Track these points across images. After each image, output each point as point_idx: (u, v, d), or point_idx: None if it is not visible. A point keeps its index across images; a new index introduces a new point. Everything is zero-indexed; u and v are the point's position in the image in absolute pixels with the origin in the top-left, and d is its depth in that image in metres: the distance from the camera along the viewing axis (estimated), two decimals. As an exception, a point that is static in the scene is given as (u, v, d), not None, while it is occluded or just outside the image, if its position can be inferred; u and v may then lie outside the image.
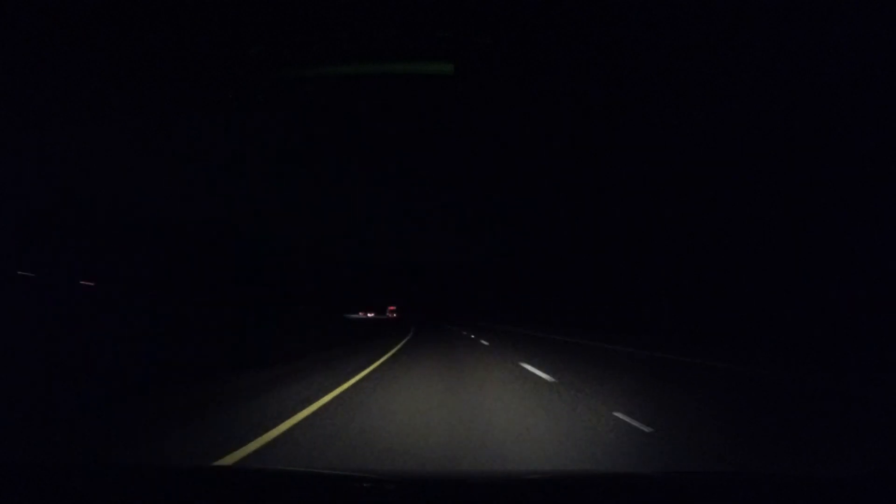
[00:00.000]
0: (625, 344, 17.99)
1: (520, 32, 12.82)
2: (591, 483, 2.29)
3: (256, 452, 4.09)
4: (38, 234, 17.02)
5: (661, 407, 6.18)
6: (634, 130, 22.50)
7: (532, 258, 56.88)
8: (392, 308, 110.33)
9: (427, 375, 9.22)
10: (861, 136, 14.33)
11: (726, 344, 16.24)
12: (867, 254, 14.34)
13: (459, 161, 38.04)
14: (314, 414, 5.59)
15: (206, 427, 5.01)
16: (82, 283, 21.90)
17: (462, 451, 4.23)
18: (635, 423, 5.09)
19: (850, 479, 2.07)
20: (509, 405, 6.17)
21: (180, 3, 12.12)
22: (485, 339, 21.85)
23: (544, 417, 5.51)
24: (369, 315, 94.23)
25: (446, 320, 69.38)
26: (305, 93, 16.98)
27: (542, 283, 54.39)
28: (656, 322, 25.48)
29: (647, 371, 10.41)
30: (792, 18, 12.80)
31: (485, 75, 13.01)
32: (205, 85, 14.43)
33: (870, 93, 13.28)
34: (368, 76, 13.29)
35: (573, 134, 26.04)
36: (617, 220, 32.05)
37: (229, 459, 3.86)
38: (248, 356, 11.18)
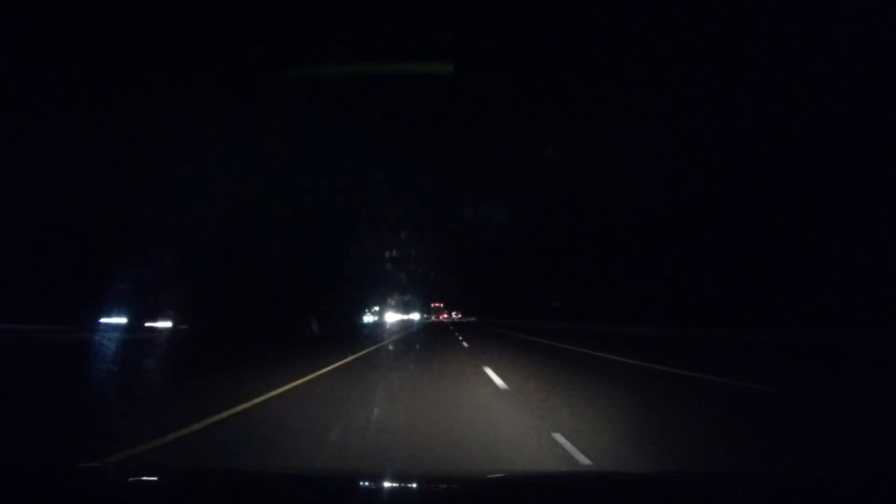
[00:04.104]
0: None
1: (519, 32, 12.84)
2: (590, 483, 2.29)
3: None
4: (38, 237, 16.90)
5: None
6: (633, 127, 22.50)
7: (524, 256, 56.73)
8: (456, 312, 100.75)
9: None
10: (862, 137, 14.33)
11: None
12: (866, 256, 14.33)
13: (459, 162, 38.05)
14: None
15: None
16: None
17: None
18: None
19: (849, 479, 2.07)
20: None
21: (181, 3, 12.15)
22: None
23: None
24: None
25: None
26: (306, 93, 16.99)
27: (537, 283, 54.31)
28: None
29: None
30: (794, 17, 12.80)
31: (485, 75, 13.02)
32: (205, 85, 14.45)
33: (870, 93, 13.28)
34: (369, 76, 13.30)
35: (572, 133, 26.07)
36: (617, 217, 32.01)
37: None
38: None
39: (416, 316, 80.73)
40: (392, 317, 67.96)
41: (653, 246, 27.42)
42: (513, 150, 34.16)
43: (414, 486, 2.17)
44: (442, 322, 74.18)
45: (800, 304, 16.41)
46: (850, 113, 14.22)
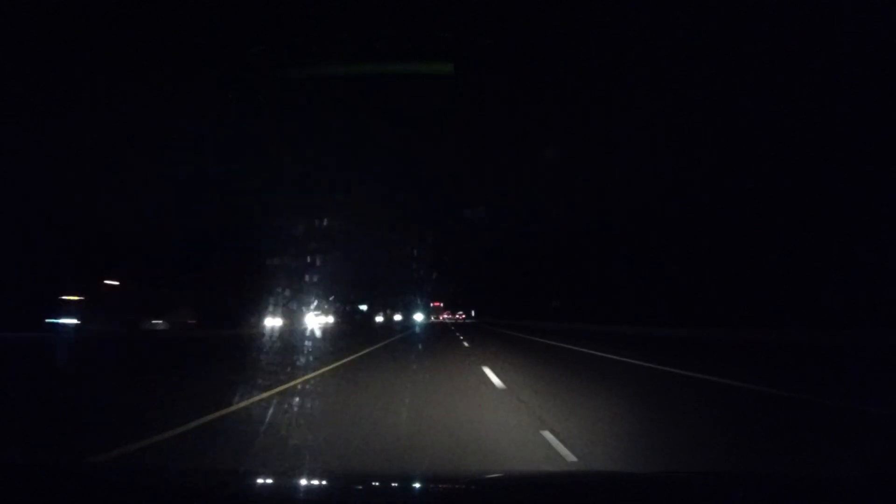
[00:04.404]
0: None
1: (519, 32, 12.84)
2: (590, 483, 2.29)
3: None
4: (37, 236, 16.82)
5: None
6: (633, 127, 22.52)
7: (524, 256, 56.74)
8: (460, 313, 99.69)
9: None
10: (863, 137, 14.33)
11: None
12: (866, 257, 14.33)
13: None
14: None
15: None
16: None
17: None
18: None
19: (849, 479, 2.07)
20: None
21: (181, 3, 12.16)
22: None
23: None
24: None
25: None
26: (306, 93, 17.01)
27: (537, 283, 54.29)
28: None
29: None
30: (794, 17, 12.80)
31: (485, 75, 13.03)
32: (205, 85, 14.46)
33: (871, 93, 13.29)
34: (369, 76, 13.31)
35: (572, 133, 26.10)
36: (617, 217, 32.06)
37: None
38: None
39: (419, 316, 78.24)
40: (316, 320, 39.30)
41: (653, 246, 27.43)
42: (513, 150, 34.24)
43: (414, 486, 2.18)
44: (444, 323, 72.75)
45: (800, 304, 16.41)
46: (850, 113, 14.23)
